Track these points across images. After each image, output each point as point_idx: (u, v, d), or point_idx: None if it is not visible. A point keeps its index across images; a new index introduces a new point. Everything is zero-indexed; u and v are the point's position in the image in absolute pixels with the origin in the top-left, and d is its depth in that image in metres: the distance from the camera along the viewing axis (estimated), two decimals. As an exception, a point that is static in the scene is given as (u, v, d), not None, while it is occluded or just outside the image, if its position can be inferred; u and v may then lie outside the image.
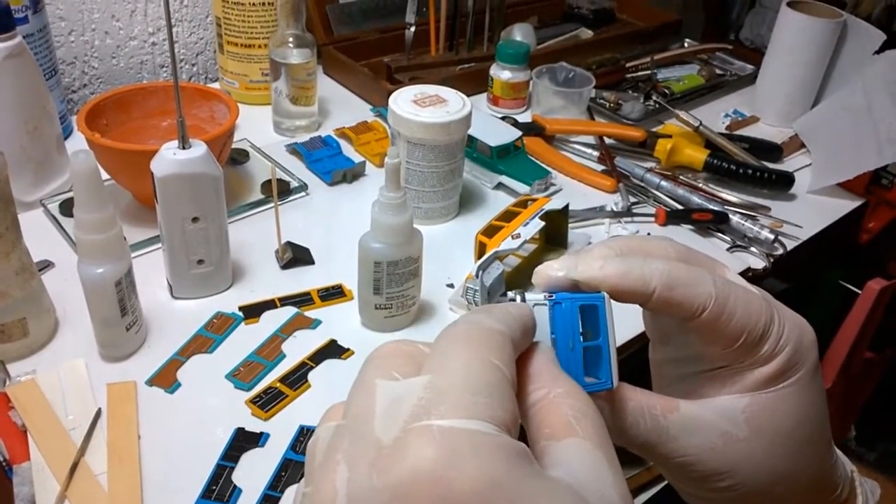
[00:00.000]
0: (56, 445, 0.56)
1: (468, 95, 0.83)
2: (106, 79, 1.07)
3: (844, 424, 1.40)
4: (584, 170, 0.97)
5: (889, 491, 0.38)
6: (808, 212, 0.96)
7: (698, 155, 0.98)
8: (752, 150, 1.05)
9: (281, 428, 0.60)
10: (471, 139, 0.90)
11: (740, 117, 1.17)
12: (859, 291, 1.07)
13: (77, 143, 0.91)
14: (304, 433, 0.60)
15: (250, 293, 0.73)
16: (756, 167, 0.98)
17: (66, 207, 0.80)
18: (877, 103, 1.01)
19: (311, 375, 0.65)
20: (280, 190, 0.84)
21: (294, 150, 0.96)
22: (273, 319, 0.71)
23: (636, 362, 0.38)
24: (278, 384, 0.64)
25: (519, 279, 0.76)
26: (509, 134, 0.94)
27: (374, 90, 1.07)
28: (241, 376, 0.64)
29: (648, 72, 1.21)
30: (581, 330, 0.29)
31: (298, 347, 0.68)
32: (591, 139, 1.05)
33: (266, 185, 0.88)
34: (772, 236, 0.88)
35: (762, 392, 0.31)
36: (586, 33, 1.33)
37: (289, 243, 0.78)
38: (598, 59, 1.18)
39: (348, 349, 0.68)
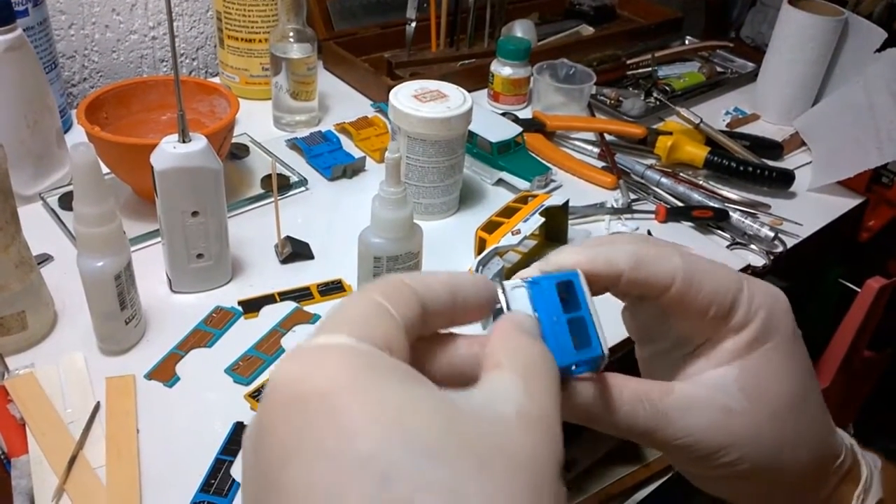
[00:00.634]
0: (54, 439, 0.56)
1: (469, 91, 0.83)
2: (106, 73, 1.07)
3: (843, 423, 1.40)
4: (585, 166, 0.97)
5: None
6: (809, 210, 0.96)
7: (699, 152, 0.98)
8: (753, 147, 1.05)
9: (280, 422, 0.60)
10: (471, 135, 0.90)
11: (741, 115, 1.17)
12: (859, 290, 1.07)
13: (77, 136, 0.91)
14: (303, 428, 0.59)
15: (250, 288, 0.73)
16: (756, 165, 0.98)
17: (66, 201, 0.80)
18: (878, 102, 1.01)
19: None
20: (280, 185, 0.84)
21: (294, 144, 0.96)
22: (272, 314, 0.71)
23: (625, 364, 0.39)
24: (277, 379, 0.64)
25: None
26: (510, 130, 0.94)
27: (375, 85, 1.07)
28: (241, 371, 0.64)
29: (649, 69, 1.21)
30: (562, 306, 0.30)
31: (298, 342, 0.68)
32: (591, 136, 1.04)
33: (266, 180, 0.88)
34: (772, 234, 0.88)
35: (747, 357, 0.32)
36: (587, 30, 1.33)
37: (288, 238, 0.78)
38: (599, 56, 1.18)
39: (347, 344, 0.68)
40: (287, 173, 0.90)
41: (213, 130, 0.75)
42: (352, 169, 0.92)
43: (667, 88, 1.17)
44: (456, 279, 0.28)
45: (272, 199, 0.77)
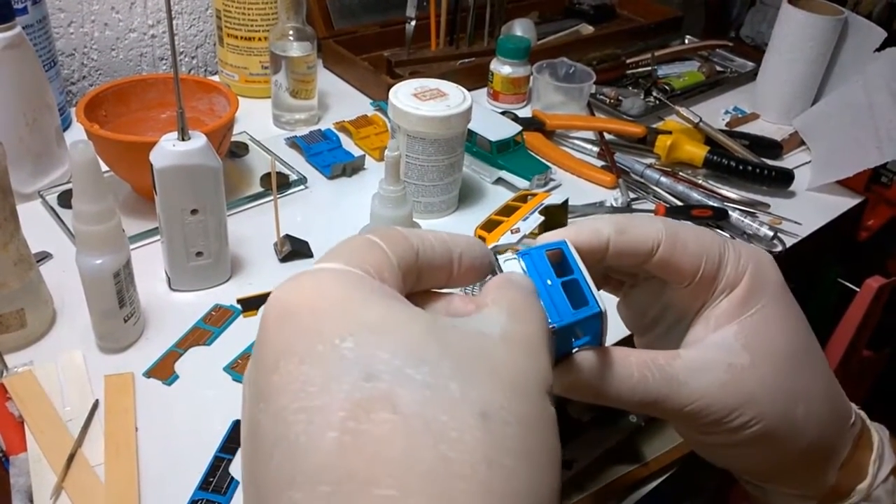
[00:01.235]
0: (53, 436, 0.56)
1: (468, 90, 0.83)
2: (105, 71, 1.07)
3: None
4: (584, 165, 0.97)
5: None
6: (808, 209, 0.96)
7: (698, 151, 0.98)
8: (752, 146, 1.05)
9: (279, 420, 0.60)
10: (471, 134, 0.90)
11: (740, 114, 1.17)
12: (857, 289, 1.07)
13: (76, 135, 0.91)
14: (302, 426, 0.59)
15: (249, 286, 0.73)
16: (756, 164, 0.98)
17: (65, 199, 0.80)
18: (877, 101, 1.01)
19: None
20: (279, 183, 0.84)
21: (293, 143, 0.96)
22: (271, 312, 0.70)
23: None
24: (276, 377, 0.64)
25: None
26: (509, 129, 0.93)
27: (374, 84, 1.07)
28: (240, 368, 0.64)
29: (649, 68, 1.21)
30: (555, 273, 0.30)
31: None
32: (591, 135, 1.04)
33: (265, 179, 0.88)
34: (771, 233, 0.88)
35: (745, 316, 0.32)
36: (587, 29, 1.33)
37: (288, 236, 0.78)
38: (599, 55, 1.18)
39: (347, 342, 0.68)
40: (286, 172, 0.90)
41: (213, 128, 0.75)
42: (351, 167, 0.92)
43: (666, 87, 1.17)
44: (453, 237, 0.28)
45: (271, 198, 0.77)
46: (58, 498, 0.53)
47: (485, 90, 1.13)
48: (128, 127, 0.82)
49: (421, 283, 0.27)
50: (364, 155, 0.95)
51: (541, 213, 0.75)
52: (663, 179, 0.95)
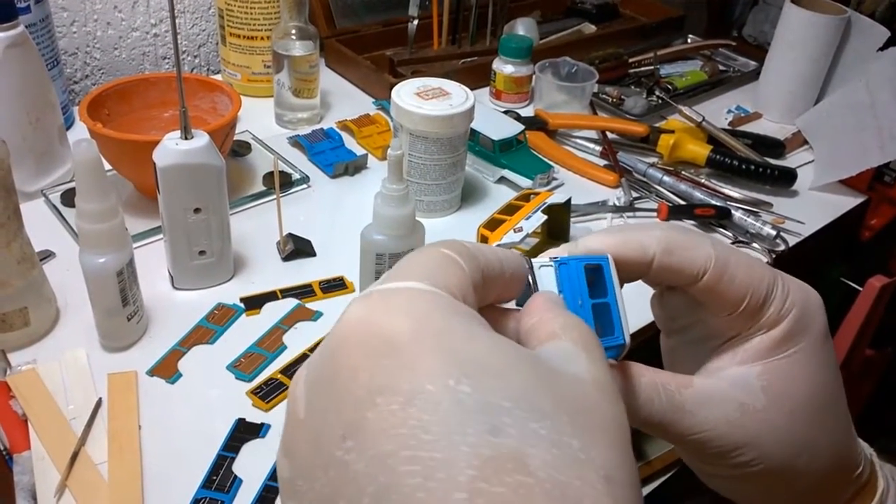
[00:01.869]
0: (56, 435, 0.56)
1: (471, 89, 0.83)
2: (108, 70, 1.07)
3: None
4: (587, 164, 0.97)
5: None
6: (811, 208, 0.96)
7: (701, 150, 0.98)
8: (755, 146, 1.05)
9: (282, 419, 0.60)
10: (473, 133, 0.90)
11: (743, 113, 1.17)
12: (860, 288, 1.07)
13: (79, 133, 0.91)
14: (305, 424, 0.59)
15: (251, 285, 0.73)
16: (759, 163, 0.98)
17: (68, 197, 0.80)
18: (880, 100, 1.01)
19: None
20: (282, 182, 0.84)
21: (296, 142, 0.96)
22: (274, 311, 0.71)
23: (646, 351, 0.38)
24: (279, 375, 0.64)
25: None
26: (512, 128, 0.93)
27: (377, 83, 1.07)
28: (242, 367, 0.64)
29: (651, 67, 1.21)
30: (588, 290, 0.29)
31: (299, 339, 0.68)
32: (593, 134, 1.04)
33: (268, 177, 0.88)
34: (774, 232, 0.88)
35: (774, 358, 0.31)
36: (589, 28, 1.33)
37: (290, 235, 0.78)
38: (602, 54, 1.18)
39: (349, 341, 0.68)
40: (289, 170, 0.90)
41: (216, 127, 0.75)
42: (354, 166, 0.92)
43: (669, 87, 1.17)
44: (503, 251, 0.27)
45: (274, 197, 0.77)
46: (61, 496, 0.53)
47: (487, 89, 1.13)
48: (130, 126, 0.82)
49: (482, 298, 0.26)
50: (366, 154, 0.95)
51: (543, 212, 0.75)
52: (666, 178, 0.95)
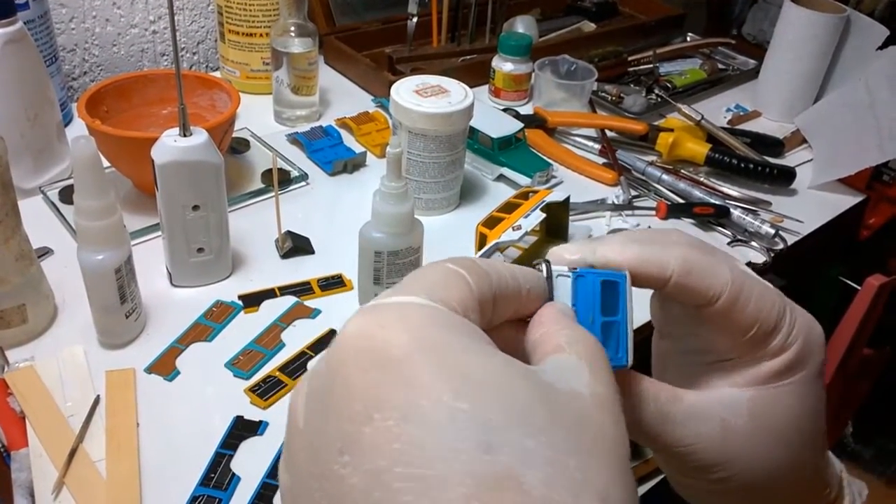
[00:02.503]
0: (54, 432, 0.56)
1: (470, 87, 0.83)
2: (106, 66, 1.07)
3: (841, 421, 1.41)
4: (586, 162, 0.97)
5: (881, 490, 0.38)
6: (809, 207, 0.96)
7: (700, 149, 0.98)
8: (754, 144, 1.05)
9: (280, 416, 0.60)
10: (472, 130, 0.90)
11: (742, 112, 1.17)
12: (859, 287, 1.07)
13: (77, 130, 0.90)
14: (303, 422, 0.59)
15: (250, 282, 0.73)
16: (757, 162, 0.98)
17: (66, 195, 0.80)
18: (879, 99, 1.01)
19: (311, 365, 0.65)
20: (280, 179, 0.84)
21: (295, 139, 0.96)
22: (273, 308, 0.70)
23: (640, 352, 0.38)
24: (277, 373, 0.64)
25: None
26: (511, 126, 0.93)
27: (376, 80, 1.07)
28: (241, 365, 0.64)
29: (651, 65, 1.21)
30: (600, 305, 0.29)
31: (298, 337, 0.68)
32: (592, 132, 1.04)
33: (266, 175, 0.88)
34: (772, 231, 0.88)
35: (768, 386, 0.31)
36: (589, 26, 1.33)
37: (289, 233, 0.78)
38: (601, 52, 1.18)
39: (348, 339, 0.68)
40: (288, 168, 0.90)
41: (214, 124, 0.75)
42: (352, 164, 0.92)
43: (668, 85, 1.17)
44: (519, 268, 0.27)
45: (273, 194, 0.77)
46: (59, 493, 0.53)
47: (486, 87, 1.13)
48: (129, 123, 0.82)
49: (495, 316, 0.26)
50: (365, 151, 0.94)
51: (542, 210, 0.75)
52: (665, 177, 0.95)
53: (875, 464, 1.53)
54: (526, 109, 1.09)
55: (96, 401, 0.59)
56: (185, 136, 0.64)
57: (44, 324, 0.65)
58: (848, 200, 1.00)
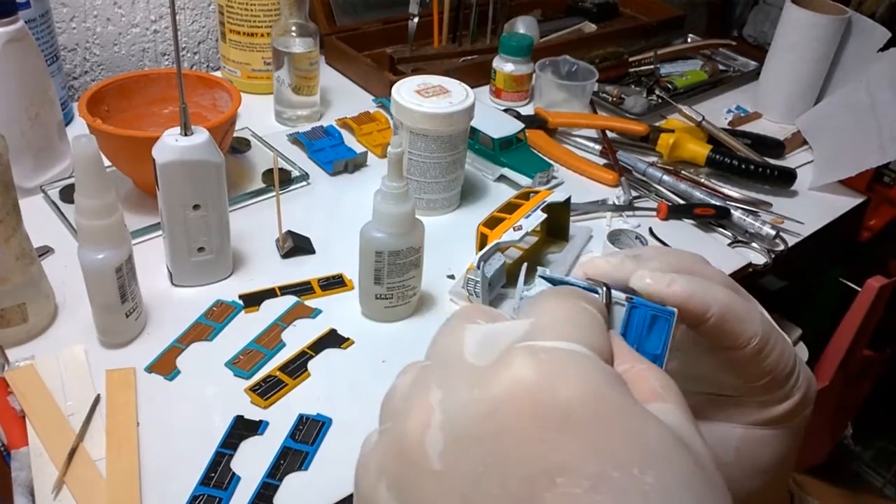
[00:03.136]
0: (54, 431, 0.56)
1: (470, 88, 0.83)
2: (107, 66, 1.07)
3: (841, 422, 1.40)
4: (587, 163, 0.97)
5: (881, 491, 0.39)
6: (810, 208, 0.96)
7: (701, 150, 0.98)
8: (755, 146, 1.05)
9: (280, 416, 0.60)
10: (473, 131, 0.90)
11: (743, 113, 1.17)
12: (859, 289, 1.07)
13: (78, 129, 0.90)
14: (303, 421, 0.59)
15: (250, 282, 0.73)
16: (758, 163, 0.98)
17: (67, 194, 0.80)
18: (880, 101, 1.01)
19: (311, 364, 0.65)
20: (281, 179, 0.84)
21: (296, 139, 0.96)
22: (273, 308, 0.70)
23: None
24: (278, 373, 0.64)
25: (520, 271, 0.75)
26: (512, 126, 0.93)
27: (377, 81, 1.07)
28: (241, 364, 0.64)
29: (652, 66, 1.21)
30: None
31: (298, 336, 0.68)
32: (593, 133, 1.04)
33: (267, 175, 0.88)
34: (773, 232, 0.88)
35: (760, 428, 0.32)
36: (590, 27, 1.33)
37: (290, 232, 0.78)
38: (602, 53, 1.18)
39: (348, 339, 0.68)
40: (288, 168, 0.89)
41: (215, 124, 0.75)
42: (353, 164, 0.92)
43: (669, 86, 1.17)
44: (596, 298, 0.28)
45: (273, 194, 0.77)
46: (59, 492, 0.53)
47: (487, 87, 1.13)
48: (130, 122, 0.82)
49: None
50: (366, 151, 0.94)
51: (543, 210, 0.75)
52: (666, 178, 0.95)
53: (875, 464, 1.53)
54: (527, 110, 1.09)
55: (96, 400, 0.59)
56: (186, 135, 0.64)
57: (44, 323, 0.65)
58: (848, 202, 1.00)
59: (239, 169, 0.90)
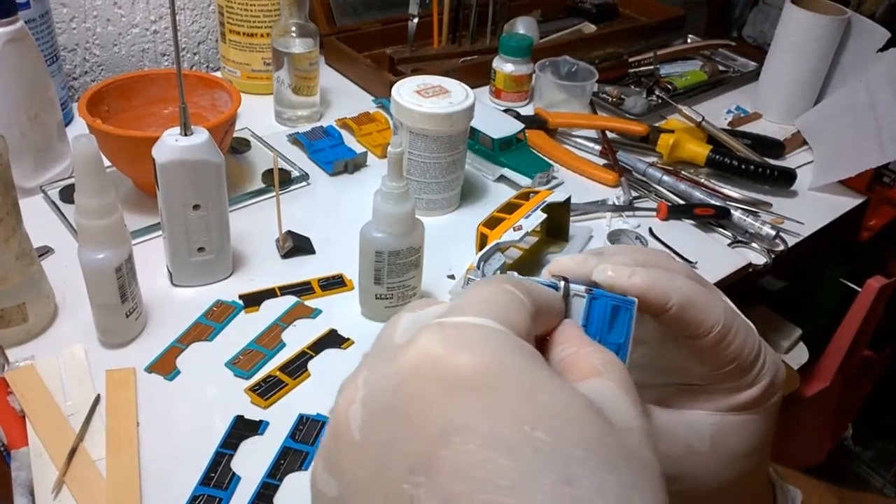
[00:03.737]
0: (54, 431, 0.56)
1: (470, 88, 0.83)
2: (107, 66, 1.07)
3: (842, 422, 1.40)
4: (586, 163, 0.97)
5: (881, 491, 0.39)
6: (810, 208, 0.96)
7: (701, 150, 0.98)
8: (755, 146, 1.05)
9: (280, 416, 0.60)
10: (473, 131, 0.90)
11: (743, 113, 1.17)
12: (859, 289, 1.07)
13: (78, 130, 0.90)
14: (304, 422, 0.59)
15: (250, 282, 0.73)
16: (758, 163, 0.98)
17: (67, 194, 0.80)
18: (880, 101, 1.01)
19: (311, 364, 0.65)
20: (281, 179, 0.84)
21: (295, 139, 0.96)
22: (273, 308, 0.70)
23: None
24: (278, 373, 0.64)
25: (520, 271, 0.75)
26: (512, 126, 0.93)
27: (377, 81, 1.07)
28: (241, 364, 0.64)
29: (651, 67, 1.21)
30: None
31: (298, 336, 0.68)
32: (593, 133, 1.04)
33: (267, 175, 0.88)
34: (773, 232, 0.88)
35: (732, 414, 0.33)
36: (589, 28, 1.33)
37: (290, 232, 0.78)
38: (602, 54, 1.18)
39: (348, 339, 0.68)
40: (288, 168, 0.89)
41: (215, 124, 0.75)
42: (353, 164, 0.92)
43: (669, 86, 1.17)
44: (542, 287, 0.28)
45: (273, 194, 0.77)
46: (59, 492, 0.53)
47: (487, 88, 1.13)
48: (130, 122, 0.82)
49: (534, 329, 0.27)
50: (366, 152, 0.94)
51: (543, 210, 0.75)
52: (665, 178, 0.95)
53: (875, 465, 1.53)
54: (527, 110, 1.09)
55: (96, 400, 0.59)
56: (186, 135, 0.64)
57: (44, 323, 0.65)
58: (848, 202, 1.00)
59: (239, 169, 0.90)
